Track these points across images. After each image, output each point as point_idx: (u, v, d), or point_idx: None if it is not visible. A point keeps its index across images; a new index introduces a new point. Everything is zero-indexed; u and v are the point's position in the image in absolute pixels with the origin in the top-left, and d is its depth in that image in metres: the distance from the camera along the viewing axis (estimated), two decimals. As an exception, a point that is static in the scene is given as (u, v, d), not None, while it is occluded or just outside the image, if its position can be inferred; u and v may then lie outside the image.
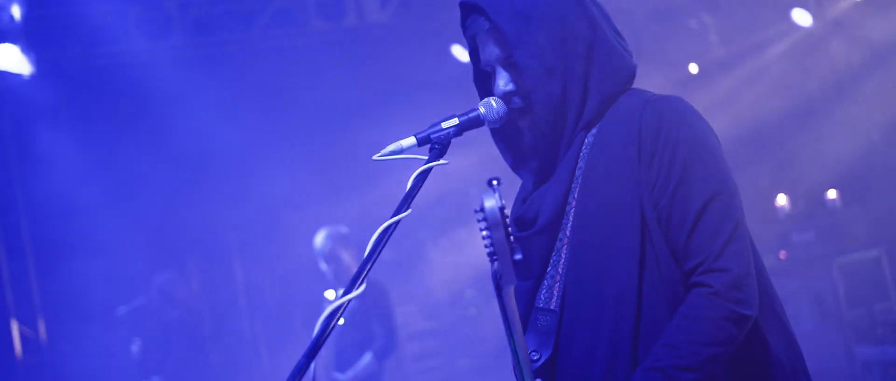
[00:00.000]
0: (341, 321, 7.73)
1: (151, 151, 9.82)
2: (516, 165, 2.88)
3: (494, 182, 2.21)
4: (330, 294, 8.01)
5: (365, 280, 2.35)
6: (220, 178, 10.14)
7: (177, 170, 10.03)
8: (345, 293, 2.30)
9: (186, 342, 9.46)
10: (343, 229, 8.15)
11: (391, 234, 2.47)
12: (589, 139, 2.73)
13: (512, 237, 2.20)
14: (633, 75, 2.80)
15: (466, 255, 10.77)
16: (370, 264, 2.40)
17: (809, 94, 9.97)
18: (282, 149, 10.14)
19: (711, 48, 10.60)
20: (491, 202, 2.15)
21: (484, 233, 2.19)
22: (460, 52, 10.48)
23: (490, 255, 2.20)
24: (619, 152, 2.65)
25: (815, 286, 8.68)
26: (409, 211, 2.52)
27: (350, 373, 7.70)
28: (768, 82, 10.19)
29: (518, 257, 2.19)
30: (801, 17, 10.12)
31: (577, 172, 2.71)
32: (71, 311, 9.40)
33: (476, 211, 2.19)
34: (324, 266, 8.03)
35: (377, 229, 2.46)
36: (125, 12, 9.24)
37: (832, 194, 9.42)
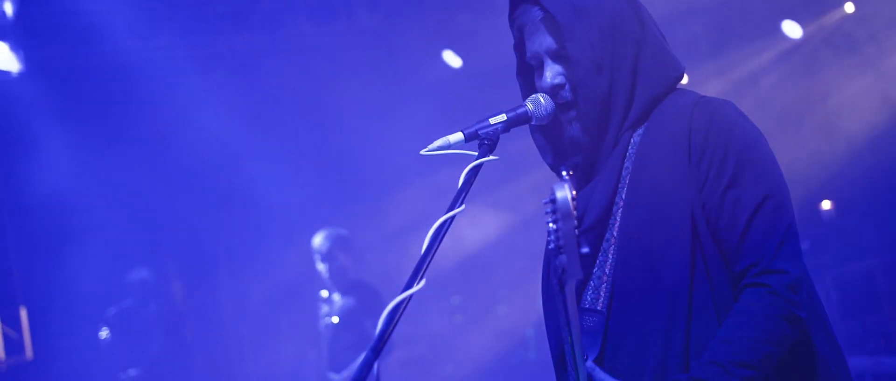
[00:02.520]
0: (335, 320, 7.78)
1: (139, 150, 9.75)
2: (557, 162, 2.85)
3: (566, 173, 2.18)
4: (326, 293, 8.09)
5: (424, 276, 2.30)
6: (207, 179, 10.08)
7: (164, 170, 9.96)
8: (404, 290, 2.24)
9: (165, 338, 9.43)
10: (343, 231, 8.20)
11: (447, 230, 2.43)
12: (635, 139, 2.71)
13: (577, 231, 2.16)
14: (680, 77, 2.79)
15: (454, 261, 10.74)
16: (428, 259, 2.37)
17: (801, 104, 10.00)
18: (270, 151, 10.08)
19: (702, 58, 10.61)
20: (563, 193, 2.11)
21: (552, 225, 2.15)
22: (451, 57, 10.46)
23: (555, 248, 2.15)
24: (667, 152, 2.63)
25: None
26: (464, 207, 2.48)
27: (345, 373, 7.69)
28: (760, 92, 10.21)
29: (585, 250, 2.17)
30: (791, 29, 10.15)
31: (624, 172, 2.69)
32: (55, 311, 9.32)
33: (546, 202, 2.14)
34: (320, 265, 8.06)
35: (432, 225, 2.42)
36: (115, 11, 9.15)
37: (826, 204, 9.44)
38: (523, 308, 10.59)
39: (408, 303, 2.24)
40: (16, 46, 8.59)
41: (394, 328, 2.19)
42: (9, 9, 8.25)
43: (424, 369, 10.67)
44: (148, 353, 9.30)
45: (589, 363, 2.45)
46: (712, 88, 10.21)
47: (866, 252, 8.65)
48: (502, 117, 2.69)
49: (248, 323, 10.92)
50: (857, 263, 8.59)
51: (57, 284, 9.31)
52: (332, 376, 7.80)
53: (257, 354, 10.82)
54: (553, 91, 2.72)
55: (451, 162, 2.64)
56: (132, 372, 9.19)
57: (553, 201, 2.14)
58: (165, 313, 9.61)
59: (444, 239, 2.44)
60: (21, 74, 8.72)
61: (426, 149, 2.63)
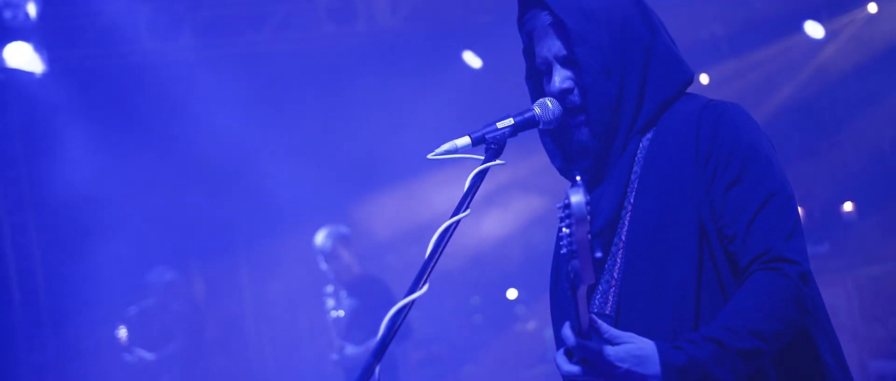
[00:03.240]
0: (341, 313, 7.86)
1: (160, 151, 9.79)
2: (565, 167, 2.85)
3: (579, 178, 2.17)
4: (331, 288, 8.23)
5: (427, 280, 2.30)
6: (227, 179, 10.11)
7: (184, 171, 9.99)
8: (407, 294, 2.25)
9: (186, 337, 9.48)
10: (344, 229, 8.29)
11: (451, 234, 2.43)
12: (644, 143, 2.71)
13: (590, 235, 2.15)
14: (690, 81, 2.79)
15: (472, 262, 10.73)
16: (432, 264, 2.37)
17: (823, 105, 9.95)
18: (290, 151, 10.10)
19: (723, 58, 10.57)
20: (577, 197, 2.10)
21: (566, 230, 2.14)
22: (471, 58, 10.46)
23: (568, 253, 2.15)
24: (676, 156, 2.64)
25: (830, 299, 8.50)
26: (469, 211, 2.48)
27: (364, 346, 7.78)
28: (781, 93, 10.17)
29: (599, 255, 2.16)
30: (814, 30, 10.10)
31: (633, 177, 2.69)
32: (77, 309, 9.37)
33: (560, 207, 2.14)
34: (323, 265, 8.19)
35: (436, 230, 2.42)
36: (136, 13, 9.22)
37: (848, 206, 9.39)
38: (542, 309, 10.56)
39: (410, 308, 2.24)
40: (39, 47, 8.67)
41: (396, 332, 2.19)
42: (32, 10, 8.32)
43: (443, 369, 10.67)
44: (167, 350, 9.35)
45: (591, 315, 2.44)
46: (733, 89, 10.17)
47: (888, 255, 8.59)
48: (509, 121, 2.69)
49: (269, 322, 10.95)
50: (878, 265, 8.53)
51: (79, 282, 9.36)
52: (349, 348, 7.87)
53: (278, 353, 10.84)
54: (561, 95, 2.72)
55: (472, 162, 2.64)
56: (143, 353, 9.23)
57: (567, 205, 2.13)
58: (186, 312, 9.66)
59: (463, 240, 2.44)
60: (44, 75, 8.80)
61: (433, 153, 2.63)
